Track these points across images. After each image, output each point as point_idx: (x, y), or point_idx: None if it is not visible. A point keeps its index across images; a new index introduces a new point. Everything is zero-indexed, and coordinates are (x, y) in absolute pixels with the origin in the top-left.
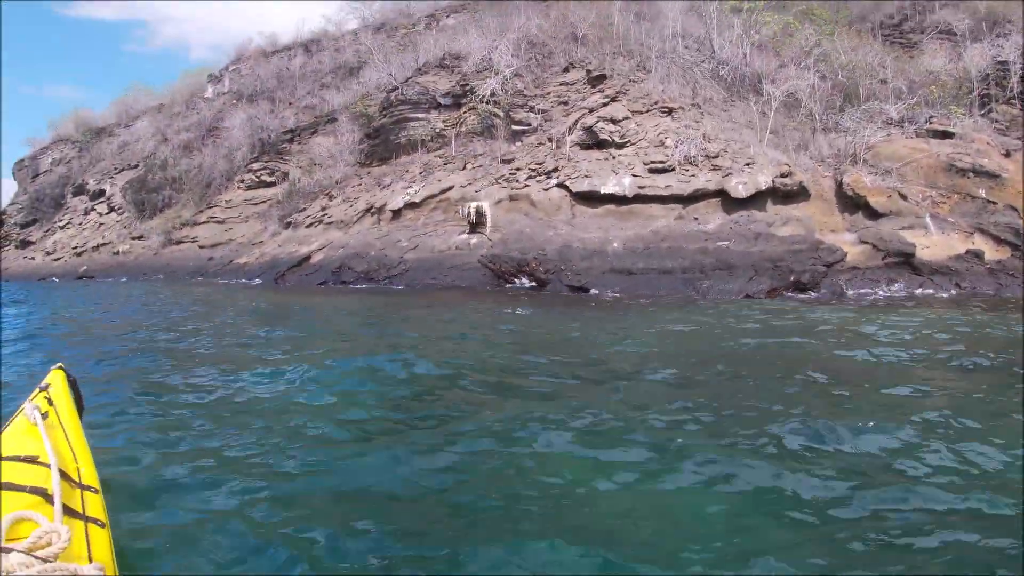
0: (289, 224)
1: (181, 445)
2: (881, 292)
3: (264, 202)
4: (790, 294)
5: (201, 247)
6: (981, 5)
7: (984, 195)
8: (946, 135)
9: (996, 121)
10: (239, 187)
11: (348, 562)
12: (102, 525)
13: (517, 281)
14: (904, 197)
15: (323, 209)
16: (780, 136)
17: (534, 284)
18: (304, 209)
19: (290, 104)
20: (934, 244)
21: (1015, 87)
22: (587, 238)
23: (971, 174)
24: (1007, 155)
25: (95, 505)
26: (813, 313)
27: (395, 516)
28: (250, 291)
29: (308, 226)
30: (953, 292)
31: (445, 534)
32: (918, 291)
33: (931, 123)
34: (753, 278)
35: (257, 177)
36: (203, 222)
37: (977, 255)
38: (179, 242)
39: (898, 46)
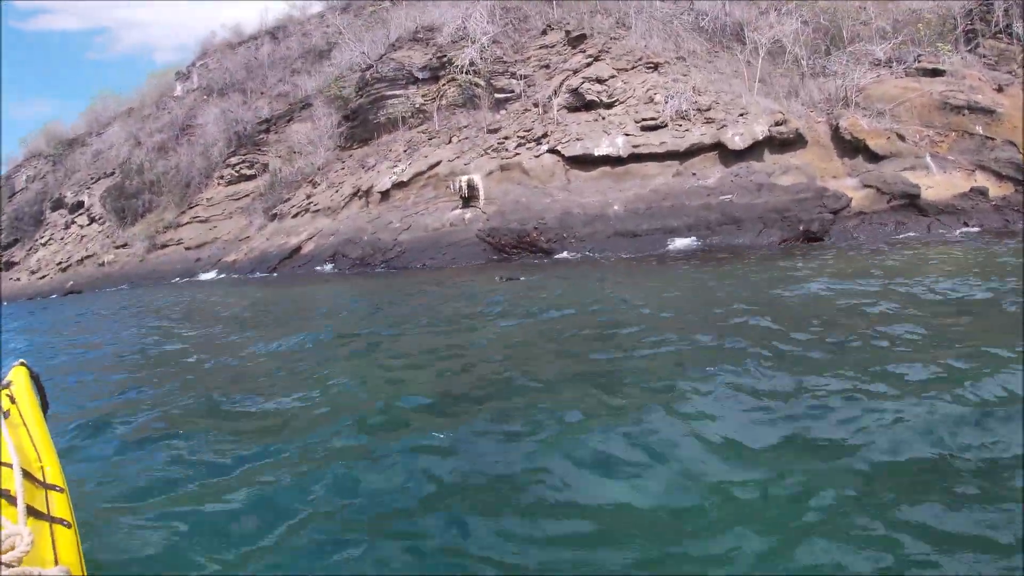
0: (275, 216)
1: None
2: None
3: (246, 196)
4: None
5: (187, 248)
6: None
7: (982, 131)
8: (936, 73)
9: (984, 56)
10: (219, 183)
11: None
12: (68, 525)
13: (518, 253)
14: (902, 138)
15: (308, 197)
16: (768, 84)
17: (539, 254)
18: (288, 199)
19: (262, 94)
20: (937, 184)
21: (1000, 21)
22: (586, 203)
23: (966, 111)
24: (1000, 90)
25: (61, 505)
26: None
27: None
28: (249, 286)
29: (294, 216)
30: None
31: None
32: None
33: (920, 61)
34: (763, 231)
35: (236, 171)
36: (186, 223)
37: (982, 192)
38: (164, 246)
39: None
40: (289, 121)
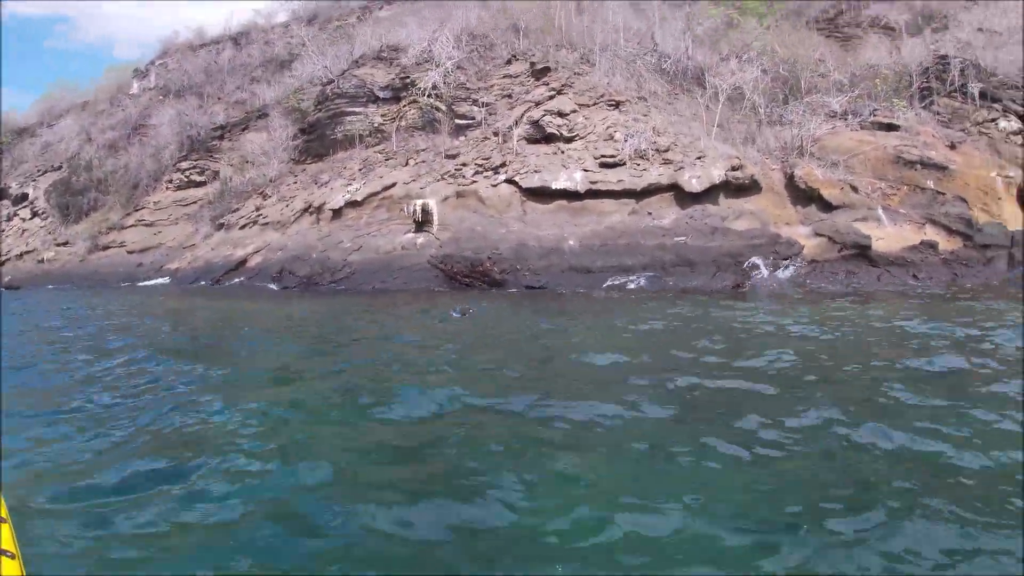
0: (222, 225)
1: None
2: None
3: (194, 203)
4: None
5: (130, 252)
6: (916, 3)
7: (933, 186)
8: (891, 127)
9: (938, 114)
10: (168, 187)
11: None
12: (12, 556)
13: (470, 282)
14: (855, 189)
15: (258, 209)
16: (726, 129)
17: (492, 285)
18: (237, 209)
19: (219, 99)
20: (888, 236)
21: (956, 80)
22: (542, 235)
23: (919, 166)
24: (952, 147)
25: (4, 535)
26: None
27: None
28: (191, 297)
29: (242, 227)
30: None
31: None
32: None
33: (875, 116)
34: (716, 274)
35: (186, 176)
36: (131, 225)
37: (931, 246)
38: (106, 247)
39: (834, 40)
40: (244, 130)
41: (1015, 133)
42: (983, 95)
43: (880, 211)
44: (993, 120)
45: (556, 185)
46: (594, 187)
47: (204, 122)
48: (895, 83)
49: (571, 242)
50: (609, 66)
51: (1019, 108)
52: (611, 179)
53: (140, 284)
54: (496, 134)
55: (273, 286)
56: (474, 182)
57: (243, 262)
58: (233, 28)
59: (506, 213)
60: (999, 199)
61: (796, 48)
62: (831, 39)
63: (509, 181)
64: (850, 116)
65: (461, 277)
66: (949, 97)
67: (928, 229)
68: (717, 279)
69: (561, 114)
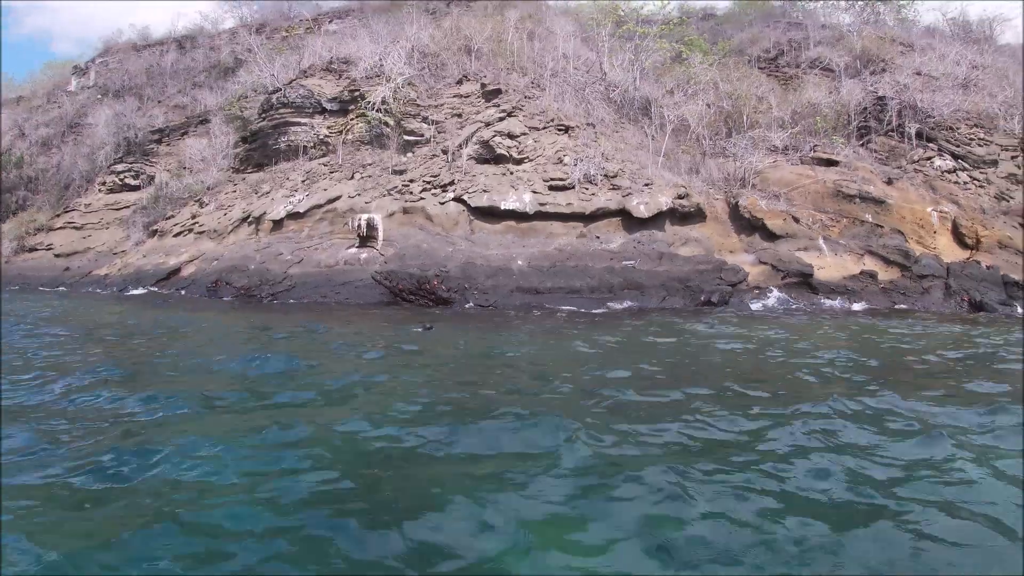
0: (155, 232)
1: None
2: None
3: (127, 207)
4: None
5: (57, 255)
6: (856, 44)
7: (871, 219)
8: (831, 163)
9: (875, 151)
10: (100, 190)
11: None
12: None
13: (415, 300)
14: (797, 220)
15: (194, 217)
16: (672, 159)
17: (438, 303)
18: (172, 216)
19: (159, 102)
20: (828, 265)
21: (893, 120)
22: (490, 255)
23: (858, 199)
24: (889, 182)
25: None
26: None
27: None
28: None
29: (176, 235)
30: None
31: None
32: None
33: (815, 151)
34: (666, 298)
35: (121, 179)
36: (59, 227)
37: (871, 275)
38: (32, 249)
39: (775, 79)
40: (184, 135)
41: (949, 171)
42: (919, 135)
43: (821, 241)
44: (929, 159)
45: (505, 205)
46: (543, 209)
47: (143, 124)
48: (834, 121)
49: (520, 262)
50: (559, 91)
51: (954, 148)
52: (560, 202)
53: (62, 289)
54: (445, 152)
55: (206, 295)
56: (421, 199)
57: (176, 271)
58: (178, 31)
59: (453, 231)
60: (934, 232)
61: (738, 84)
62: (772, 78)
63: (457, 199)
64: (790, 151)
65: (407, 294)
66: (886, 136)
67: (867, 259)
68: (667, 302)
69: (511, 136)
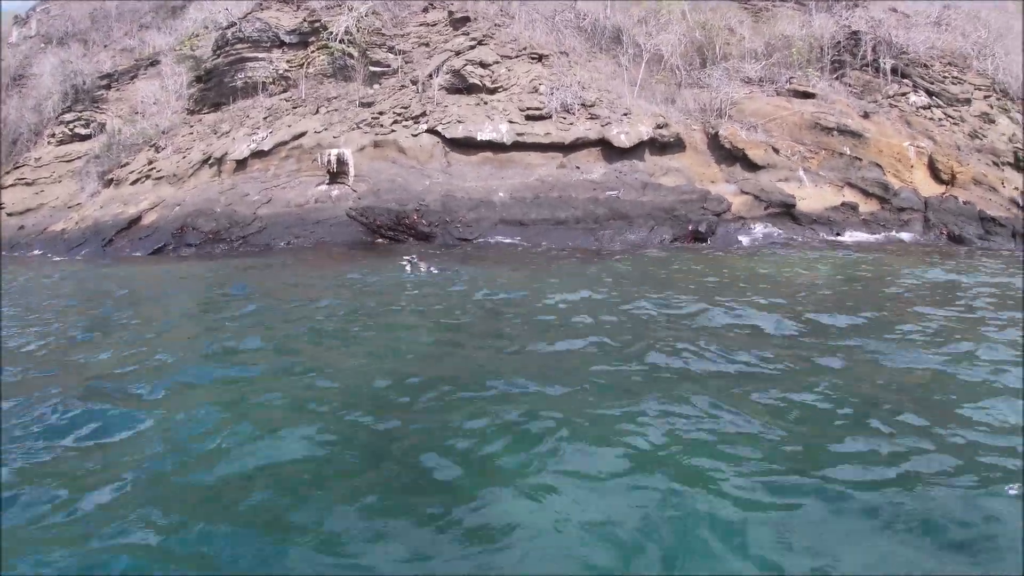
0: (111, 182)
1: None
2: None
3: (79, 158)
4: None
5: (9, 215)
6: None
7: (849, 152)
8: (807, 95)
9: (850, 86)
10: (50, 142)
11: None
12: None
13: (394, 236)
14: (777, 151)
15: (150, 163)
16: (647, 89)
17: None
18: (127, 164)
19: (105, 47)
20: (810, 196)
21: (868, 55)
22: (469, 187)
23: (836, 132)
24: (866, 116)
25: None
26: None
27: None
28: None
29: (133, 183)
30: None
31: None
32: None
33: (791, 83)
34: (655, 228)
35: (70, 130)
36: (10, 185)
37: (852, 207)
38: None
39: (746, 12)
40: (133, 79)
41: (924, 108)
42: (894, 71)
43: (801, 172)
44: (904, 94)
45: (482, 136)
46: (521, 139)
47: (90, 71)
48: (807, 54)
49: (501, 194)
50: (529, 19)
51: (928, 85)
52: (538, 131)
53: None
54: (414, 83)
55: (171, 248)
56: (392, 131)
57: (136, 219)
58: None
59: (428, 164)
60: (911, 167)
61: (711, 15)
62: (743, 10)
63: (431, 131)
64: (765, 83)
65: (385, 230)
66: (861, 71)
67: (847, 191)
68: (656, 233)
69: (484, 64)
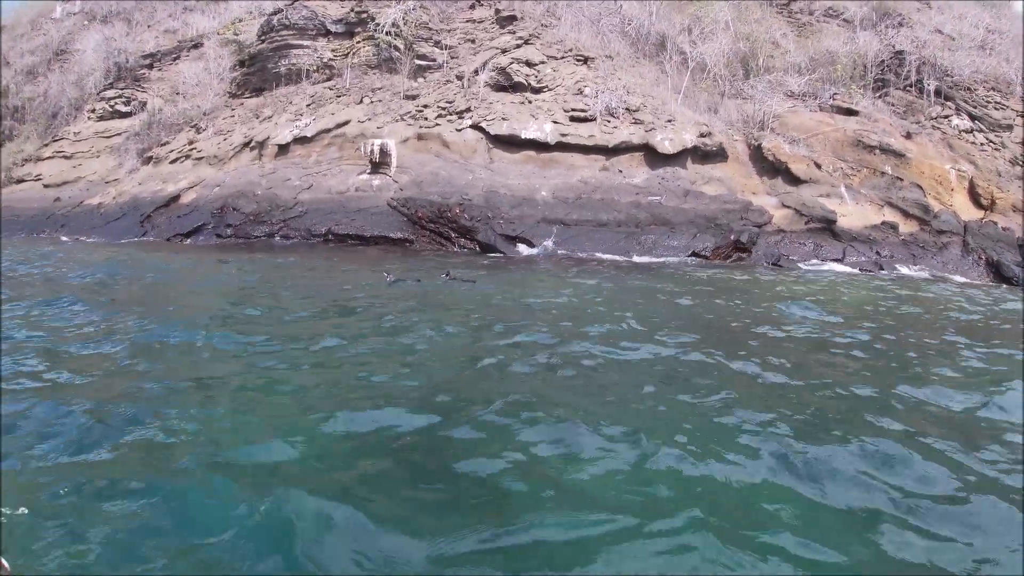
0: (150, 159)
1: None
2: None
3: (119, 134)
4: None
5: (46, 186)
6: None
7: (891, 172)
8: (850, 112)
9: (893, 105)
10: (90, 117)
11: None
12: None
13: (435, 228)
14: (819, 166)
15: (191, 143)
16: (690, 98)
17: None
18: (167, 143)
19: (148, 27)
20: (850, 213)
21: (912, 75)
22: (512, 184)
23: (878, 151)
24: (908, 136)
25: None
26: None
27: None
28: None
29: (173, 161)
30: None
31: None
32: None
33: (835, 99)
34: (697, 235)
35: (111, 106)
36: (48, 157)
37: (892, 227)
38: (20, 180)
39: (789, 25)
40: (175, 60)
41: (967, 131)
42: (937, 92)
43: (843, 188)
44: (947, 117)
45: (526, 134)
46: (564, 139)
47: (133, 49)
48: (851, 71)
49: (543, 193)
50: (575, 21)
51: (971, 109)
52: (582, 133)
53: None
54: (460, 78)
55: (204, 237)
56: (437, 124)
57: (175, 197)
58: None
59: (472, 159)
60: (952, 190)
61: (756, 26)
62: (788, 24)
63: (475, 127)
64: (808, 98)
65: (426, 222)
66: (904, 91)
67: (887, 211)
68: (698, 241)
69: (529, 64)
